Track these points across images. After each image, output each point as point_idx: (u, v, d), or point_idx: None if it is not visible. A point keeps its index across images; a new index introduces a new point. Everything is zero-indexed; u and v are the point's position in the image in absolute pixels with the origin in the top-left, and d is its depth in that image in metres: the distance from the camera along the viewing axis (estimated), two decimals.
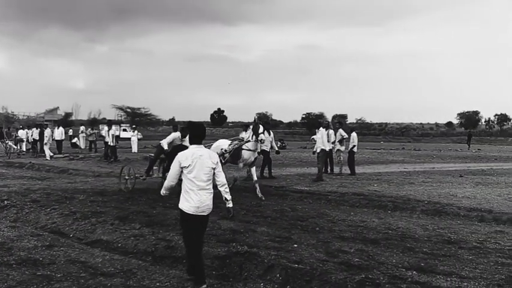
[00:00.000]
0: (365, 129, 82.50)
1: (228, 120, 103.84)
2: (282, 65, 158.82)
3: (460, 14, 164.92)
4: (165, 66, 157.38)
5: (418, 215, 10.98)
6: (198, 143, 6.22)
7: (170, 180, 6.17)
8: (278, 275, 6.42)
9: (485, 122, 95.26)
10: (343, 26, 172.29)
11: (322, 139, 16.63)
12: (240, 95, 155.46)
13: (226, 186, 6.26)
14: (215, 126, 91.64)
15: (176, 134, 13.68)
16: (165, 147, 13.40)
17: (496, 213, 10.83)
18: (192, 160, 6.00)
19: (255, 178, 13.27)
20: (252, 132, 13.37)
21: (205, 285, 5.98)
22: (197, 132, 6.29)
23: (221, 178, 6.20)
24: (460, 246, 8.16)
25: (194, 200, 5.97)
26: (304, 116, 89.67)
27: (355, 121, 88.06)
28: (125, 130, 53.59)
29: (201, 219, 6.08)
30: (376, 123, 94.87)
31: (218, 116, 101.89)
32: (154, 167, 14.44)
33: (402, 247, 8.00)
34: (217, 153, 12.23)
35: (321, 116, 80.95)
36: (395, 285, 6.01)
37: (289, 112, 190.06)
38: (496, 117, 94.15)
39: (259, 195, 12.71)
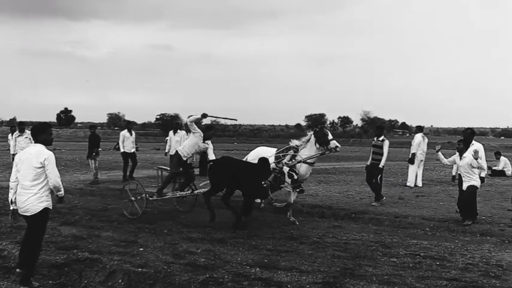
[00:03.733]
0: (219, 130, 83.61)
1: (76, 121, 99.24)
2: (133, 64, 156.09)
3: (308, 22, 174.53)
4: (3, 62, 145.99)
5: (264, 213, 11.33)
6: (36, 141, 6.13)
7: (11, 179, 6.14)
8: (120, 281, 6.23)
9: (329, 124, 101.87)
10: (197, 27, 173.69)
11: (181, 141, 16.60)
12: (88, 94, 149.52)
13: (58, 187, 6.10)
14: (62, 127, 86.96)
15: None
16: (201, 143, 10.49)
17: (335, 209, 11.55)
18: (20, 159, 5.98)
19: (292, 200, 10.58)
20: (312, 140, 10.47)
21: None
22: (33, 131, 6.19)
23: (51, 180, 5.95)
24: (301, 241, 8.57)
25: (17, 200, 6.01)
26: (158, 116, 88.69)
27: (209, 122, 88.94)
28: None
29: (28, 219, 6.03)
30: (230, 125, 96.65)
31: (65, 116, 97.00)
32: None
33: (248, 245, 8.21)
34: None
35: (176, 117, 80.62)
36: (238, 283, 6.13)
37: (142, 112, 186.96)
38: (340, 119, 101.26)
39: (291, 219, 10.33)
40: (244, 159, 11.24)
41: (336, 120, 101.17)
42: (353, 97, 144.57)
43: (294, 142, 10.70)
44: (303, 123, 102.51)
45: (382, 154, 11.90)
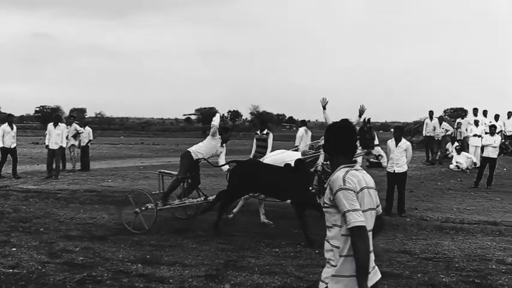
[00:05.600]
0: (105, 123, 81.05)
1: None
2: (11, 54, 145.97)
3: (196, 14, 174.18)
4: None
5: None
6: None
7: None
8: None
9: (220, 117, 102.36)
10: (81, 16, 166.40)
11: (62, 134, 15.89)
12: None
13: None
14: None
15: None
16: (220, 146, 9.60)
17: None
18: None
19: None
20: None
21: None
22: None
23: None
24: (186, 236, 8.48)
25: None
26: (38, 109, 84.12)
27: (94, 115, 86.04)
28: None
29: None
30: (117, 118, 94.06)
31: None
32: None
33: (130, 241, 8.02)
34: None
35: (57, 109, 76.83)
36: (117, 280, 5.98)
37: (20, 104, 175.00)
38: (229, 113, 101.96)
39: None
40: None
41: (226, 114, 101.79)
42: (243, 91, 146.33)
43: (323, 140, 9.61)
44: (193, 117, 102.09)
45: (266, 147, 12.09)
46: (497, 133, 16.47)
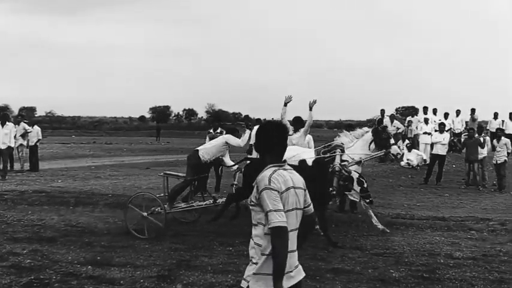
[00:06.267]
0: (56, 122, 79.06)
1: None
2: None
3: (151, 11, 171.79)
4: None
5: (100, 208, 10.81)
6: None
7: None
8: None
9: (174, 116, 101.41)
10: (30, 12, 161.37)
11: (10, 134, 15.37)
12: None
13: None
14: None
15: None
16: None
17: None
18: None
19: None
20: (367, 138, 9.03)
21: None
22: None
23: None
24: (138, 237, 8.34)
25: None
26: None
27: (44, 114, 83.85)
28: None
29: None
30: (68, 117, 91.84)
31: None
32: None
33: (80, 243, 7.86)
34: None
35: (5, 108, 74.52)
36: (66, 283, 5.88)
37: None
38: (185, 112, 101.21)
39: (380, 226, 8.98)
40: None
41: (181, 113, 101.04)
42: (198, 89, 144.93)
43: (341, 138, 9.15)
44: (147, 116, 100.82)
45: None
46: (446, 131, 17.00)
